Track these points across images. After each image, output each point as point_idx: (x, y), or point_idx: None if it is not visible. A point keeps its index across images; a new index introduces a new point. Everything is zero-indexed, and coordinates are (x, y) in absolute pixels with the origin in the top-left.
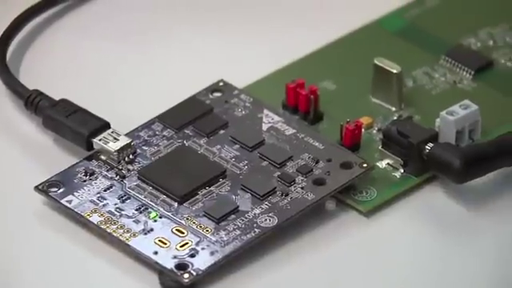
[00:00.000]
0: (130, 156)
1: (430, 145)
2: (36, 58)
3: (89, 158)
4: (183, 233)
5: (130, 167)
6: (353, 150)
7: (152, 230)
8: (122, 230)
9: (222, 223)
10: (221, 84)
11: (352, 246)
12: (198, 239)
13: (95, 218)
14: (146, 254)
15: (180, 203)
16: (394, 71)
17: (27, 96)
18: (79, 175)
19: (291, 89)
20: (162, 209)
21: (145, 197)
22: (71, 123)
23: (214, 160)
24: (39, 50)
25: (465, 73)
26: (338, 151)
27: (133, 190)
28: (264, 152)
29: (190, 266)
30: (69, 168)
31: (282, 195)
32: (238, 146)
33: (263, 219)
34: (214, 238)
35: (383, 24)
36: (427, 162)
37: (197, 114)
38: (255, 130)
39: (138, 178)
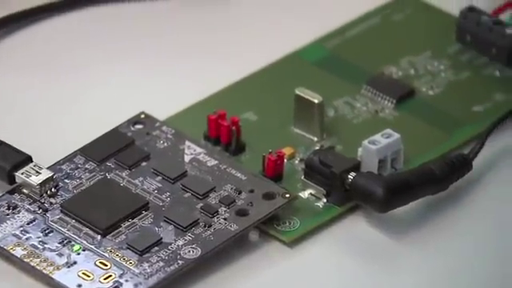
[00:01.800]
0: (53, 189)
1: (353, 174)
2: None
3: (11, 192)
4: (107, 265)
5: (52, 200)
6: (275, 181)
7: (75, 262)
8: (45, 264)
9: (146, 255)
10: (142, 116)
11: (276, 277)
12: (121, 271)
13: (18, 252)
14: (69, 286)
15: (103, 236)
16: (316, 101)
17: None
18: (2, 209)
19: (213, 120)
20: (85, 241)
21: (68, 230)
22: None
23: (137, 192)
24: None
25: (386, 102)
26: (260, 182)
27: (56, 223)
28: (186, 183)
29: None
30: None
31: (205, 226)
32: (160, 177)
33: (186, 251)
34: (137, 270)
35: (304, 54)
36: (350, 191)
37: (118, 147)
38: (177, 161)
39: (61, 211)
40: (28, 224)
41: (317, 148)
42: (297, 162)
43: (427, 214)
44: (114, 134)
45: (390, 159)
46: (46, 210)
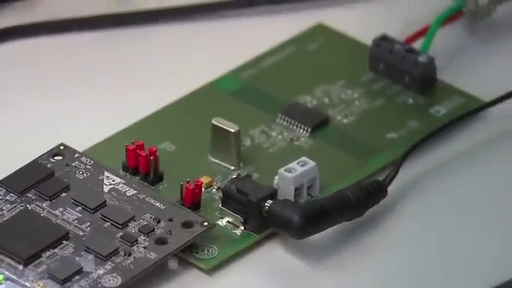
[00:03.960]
0: None
1: (270, 202)
2: None
3: None
4: None
5: None
6: (193, 209)
7: None
8: None
9: (67, 284)
10: (61, 148)
11: None
12: None
13: None
14: None
15: (25, 265)
16: (232, 130)
17: None
18: None
19: (131, 150)
20: (7, 272)
21: None
22: None
23: (57, 222)
24: None
25: (301, 130)
26: (178, 211)
27: None
28: (106, 213)
29: None
30: None
31: (125, 255)
32: (80, 208)
33: (107, 279)
34: None
35: (220, 84)
36: (267, 218)
37: (38, 178)
38: (96, 191)
39: None
40: None
41: (234, 176)
42: (214, 190)
43: (343, 240)
44: (34, 166)
45: (306, 187)
46: None
